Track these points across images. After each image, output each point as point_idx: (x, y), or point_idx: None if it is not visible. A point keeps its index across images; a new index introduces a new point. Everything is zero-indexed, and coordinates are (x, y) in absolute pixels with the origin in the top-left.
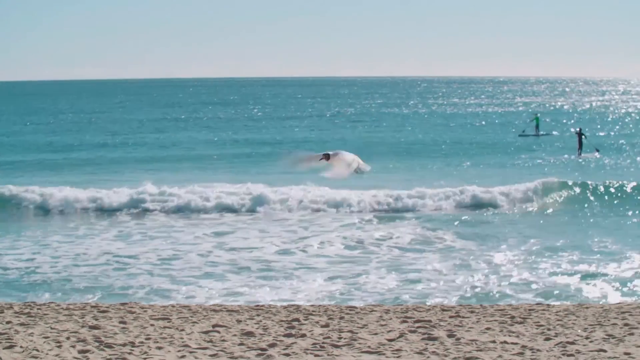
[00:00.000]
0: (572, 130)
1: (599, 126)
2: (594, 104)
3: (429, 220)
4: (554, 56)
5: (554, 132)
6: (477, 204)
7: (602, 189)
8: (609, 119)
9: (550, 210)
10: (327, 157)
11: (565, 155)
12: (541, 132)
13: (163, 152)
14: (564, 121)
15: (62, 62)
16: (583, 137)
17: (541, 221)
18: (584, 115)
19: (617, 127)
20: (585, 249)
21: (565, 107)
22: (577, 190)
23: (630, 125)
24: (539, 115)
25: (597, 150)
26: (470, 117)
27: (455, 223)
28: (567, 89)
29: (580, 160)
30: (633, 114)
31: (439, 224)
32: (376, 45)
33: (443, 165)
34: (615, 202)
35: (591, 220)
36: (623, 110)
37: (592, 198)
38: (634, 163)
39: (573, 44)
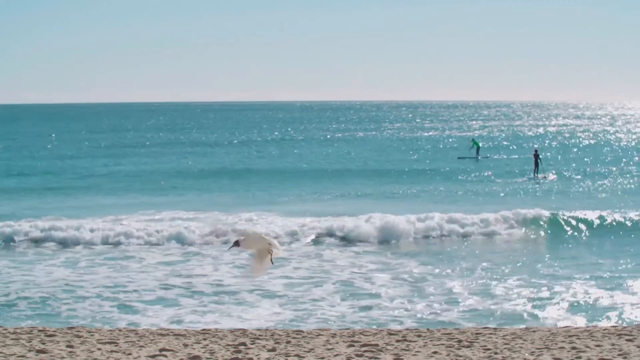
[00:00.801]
0: (533, 150)
1: (552, 150)
2: (547, 128)
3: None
4: (501, 79)
5: (494, 156)
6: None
7: (564, 218)
8: (566, 143)
9: (511, 240)
10: (237, 243)
11: (522, 178)
12: (480, 156)
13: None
14: (506, 144)
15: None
16: (539, 158)
17: (497, 249)
18: (538, 139)
19: (574, 150)
20: (535, 274)
21: (513, 129)
22: (542, 221)
23: (587, 150)
24: (475, 140)
25: (548, 174)
26: (420, 142)
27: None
28: (518, 112)
29: (535, 180)
30: (585, 139)
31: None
32: (315, 68)
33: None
34: (574, 232)
35: (546, 247)
36: (578, 134)
37: (550, 228)
38: (585, 185)
39: (522, 66)
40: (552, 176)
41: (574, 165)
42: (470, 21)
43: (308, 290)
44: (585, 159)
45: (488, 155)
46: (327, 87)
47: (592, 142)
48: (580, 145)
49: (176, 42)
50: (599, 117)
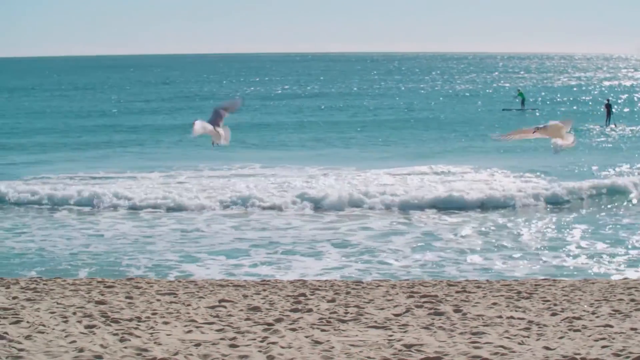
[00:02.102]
0: (604, 102)
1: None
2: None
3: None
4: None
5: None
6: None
7: None
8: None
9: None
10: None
11: (595, 126)
12: (526, 108)
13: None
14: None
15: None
16: (611, 109)
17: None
18: (592, 91)
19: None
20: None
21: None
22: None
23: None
24: (521, 91)
25: (621, 125)
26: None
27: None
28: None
29: (607, 130)
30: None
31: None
32: (367, 22)
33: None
34: None
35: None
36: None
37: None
38: None
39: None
40: (622, 127)
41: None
42: None
43: None
44: None
45: (533, 108)
46: (363, 40)
47: None
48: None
49: None
50: None
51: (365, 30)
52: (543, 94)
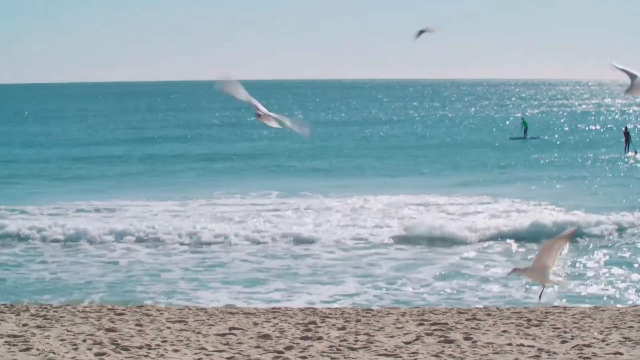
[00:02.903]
0: (623, 128)
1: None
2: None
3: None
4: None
5: (544, 137)
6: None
7: None
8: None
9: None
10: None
11: (612, 155)
12: (529, 136)
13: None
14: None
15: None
16: (629, 136)
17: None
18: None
19: None
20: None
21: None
22: None
23: None
24: (525, 119)
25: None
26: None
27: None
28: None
29: (625, 158)
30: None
31: None
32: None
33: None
34: None
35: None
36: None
37: None
38: None
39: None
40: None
41: None
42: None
43: None
44: None
45: (536, 136)
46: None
47: None
48: None
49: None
50: None
51: (369, 57)
52: (555, 120)
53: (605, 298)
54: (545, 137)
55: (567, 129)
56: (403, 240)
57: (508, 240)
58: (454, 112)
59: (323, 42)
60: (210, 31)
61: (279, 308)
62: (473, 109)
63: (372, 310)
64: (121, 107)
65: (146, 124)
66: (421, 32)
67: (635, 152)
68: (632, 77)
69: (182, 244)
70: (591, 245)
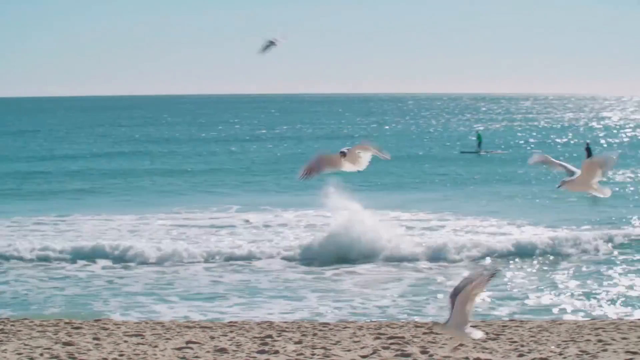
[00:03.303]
0: (585, 144)
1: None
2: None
3: None
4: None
5: (499, 151)
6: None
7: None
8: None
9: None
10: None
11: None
12: (482, 150)
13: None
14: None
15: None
16: (590, 152)
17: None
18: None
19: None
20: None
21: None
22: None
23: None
24: (479, 133)
25: None
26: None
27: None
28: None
29: None
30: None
31: None
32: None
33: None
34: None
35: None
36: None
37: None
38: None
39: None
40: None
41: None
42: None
43: None
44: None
45: (489, 150)
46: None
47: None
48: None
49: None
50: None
51: (340, 72)
52: (514, 135)
53: (562, 312)
54: (500, 151)
55: (522, 142)
56: (362, 256)
57: (457, 256)
58: (408, 125)
59: (280, 58)
60: (175, 44)
61: (236, 322)
62: (434, 121)
63: (329, 324)
64: (78, 121)
65: (104, 139)
66: (269, 44)
67: None
68: (570, 172)
69: (141, 262)
70: (547, 260)
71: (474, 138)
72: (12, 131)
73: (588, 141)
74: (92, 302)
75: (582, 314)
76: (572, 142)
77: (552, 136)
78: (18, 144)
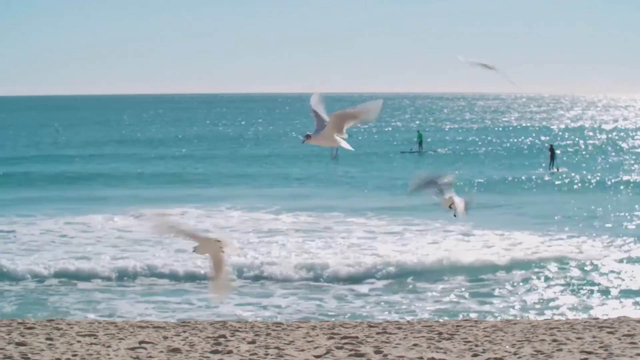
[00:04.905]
0: (549, 145)
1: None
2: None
3: None
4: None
5: (439, 150)
6: None
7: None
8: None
9: None
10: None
11: (539, 170)
12: (423, 150)
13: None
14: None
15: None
16: (554, 153)
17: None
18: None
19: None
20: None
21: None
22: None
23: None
24: (420, 132)
25: (561, 168)
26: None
27: None
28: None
29: (551, 172)
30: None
31: None
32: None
33: None
34: None
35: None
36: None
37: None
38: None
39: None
40: (564, 170)
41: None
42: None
43: None
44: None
45: (430, 150)
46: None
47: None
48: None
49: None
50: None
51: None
52: (476, 136)
53: (516, 311)
54: (444, 151)
55: (477, 141)
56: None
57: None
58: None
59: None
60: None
61: (189, 322)
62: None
63: (282, 324)
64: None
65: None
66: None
67: (557, 169)
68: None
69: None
70: (504, 261)
71: (415, 139)
72: None
73: (551, 143)
74: (43, 301)
75: (535, 312)
76: (530, 141)
77: (511, 133)
78: None
